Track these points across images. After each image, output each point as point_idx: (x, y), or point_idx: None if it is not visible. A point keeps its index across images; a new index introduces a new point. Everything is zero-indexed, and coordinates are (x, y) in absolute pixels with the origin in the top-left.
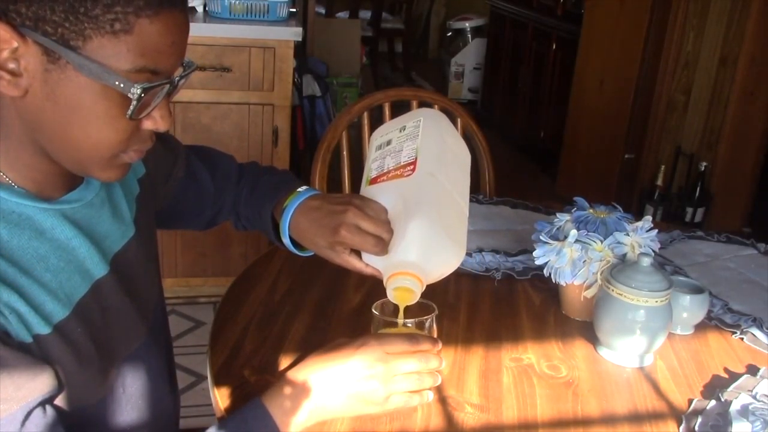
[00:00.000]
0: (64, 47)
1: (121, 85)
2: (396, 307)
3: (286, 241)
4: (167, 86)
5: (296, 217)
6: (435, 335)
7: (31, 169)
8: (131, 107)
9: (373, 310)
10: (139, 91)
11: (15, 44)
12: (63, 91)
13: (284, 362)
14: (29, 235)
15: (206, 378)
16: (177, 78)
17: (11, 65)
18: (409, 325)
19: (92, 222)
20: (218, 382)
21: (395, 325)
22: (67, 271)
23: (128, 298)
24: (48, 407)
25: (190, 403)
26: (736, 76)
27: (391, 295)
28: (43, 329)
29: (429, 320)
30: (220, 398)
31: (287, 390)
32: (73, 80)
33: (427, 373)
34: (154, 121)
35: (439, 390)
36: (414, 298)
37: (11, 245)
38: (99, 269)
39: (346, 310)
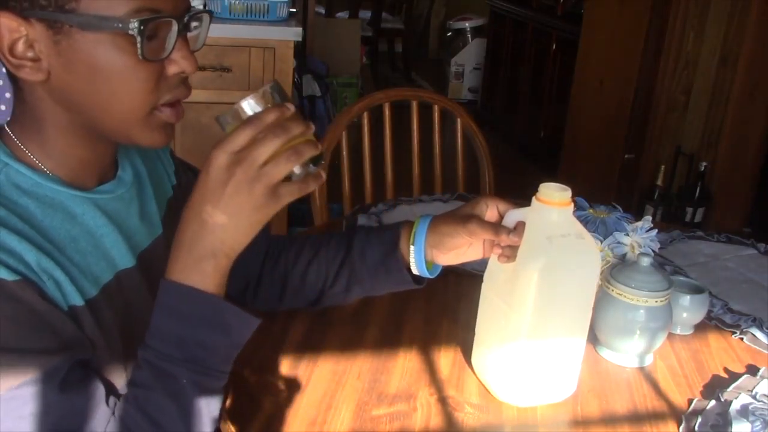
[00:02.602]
0: (62, 13)
1: (120, 26)
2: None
3: (418, 248)
4: (174, 24)
5: (432, 223)
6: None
7: (68, 158)
8: (138, 45)
9: (217, 120)
10: (137, 25)
11: (24, 30)
12: (77, 57)
13: (284, 362)
14: (62, 217)
15: None
16: (186, 17)
17: (29, 53)
18: (248, 111)
19: (121, 215)
20: None
21: (238, 119)
22: (94, 255)
23: (150, 295)
24: (86, 368)
25: None
26: (736, 76)
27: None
28: (78, 301)
29: (267, 91)
30: None
31: (176, 251)
32: (81, 42)
33: (301, 143)
34: (177, 64)
35: (438, 390)
36: (569, 197)
37: (45, 224)
38: (125, 261)
39: (346, 311)
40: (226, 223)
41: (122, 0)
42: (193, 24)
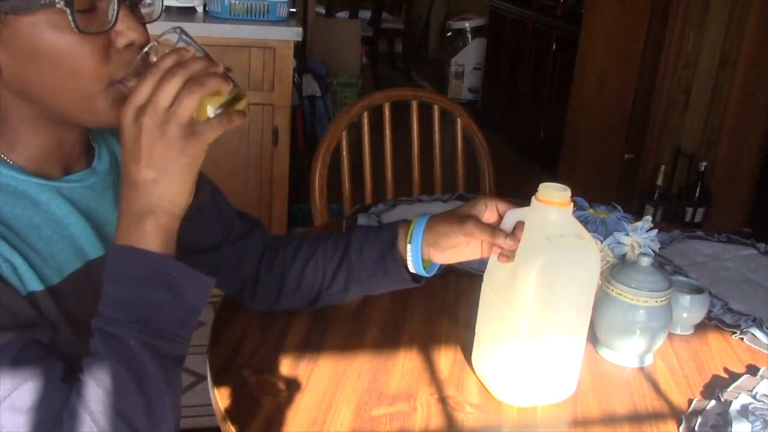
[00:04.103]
0: None
1: (47, 1)
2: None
3: (415, 247)
4: None
5: (429, 222)
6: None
7: (32, 149)
8: (69, 18)
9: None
10: None
11: None
12: (19, 44)
13: (284, 362)
14: (24, 204)
15: (206, 378)
16: None
17: None
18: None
19: (91, 205)
20: (218, 382)
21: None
22: (60, 243)
23: None
24: (44, 348)
25: (190, 403)
26: (736, 76)
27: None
28: (37, 286)
29: (170, 37)
30: (220, 398)
31: (119, 218)
32: (19, 29)
33: (204, 75)
34: (125, 35)
35: (438, 390)
36: (568, 197)
37: (5, 212)
38: (94, 250)
39: (345, 311)
40: (155, 177)
41: None
42: None
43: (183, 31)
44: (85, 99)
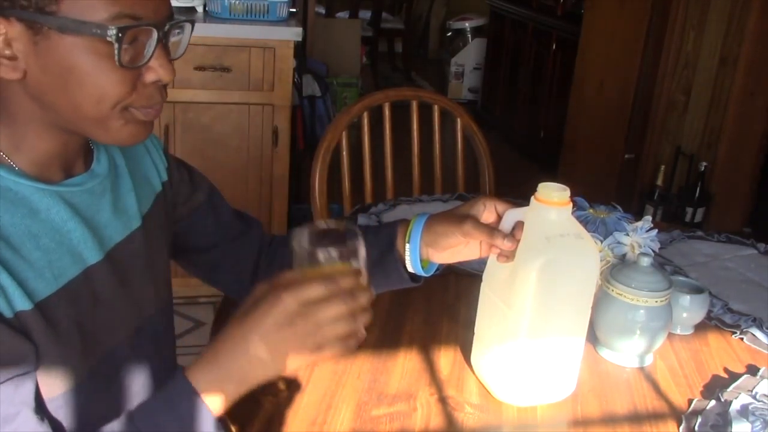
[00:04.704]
0: (41, 15)
1: (99, 31)
2: (317, 238)
3: (413, 246)
4: (155, 32)
5: (428, 222)
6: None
7: (36, 151)
8: (115, 52)
9: (293, 245)
10: (115, 32)
11: (3, 29)
12: (54, 58)
13: None
14: (23, 213)
15: None
16: (167, 26)
17: (7, 51)
18: (335, 258)
19: (91, 209)
20: None
21: (317, 262)
22: (58, 252)
23: (121, 289)
24: (24, 383)
25: None
26: (736, 76)
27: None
28: (25, 305)
29: (352, 246)
30: None
31: (209, 360)
32: (59, 45)
33: (362, 312)
34: (155, 72)
35: (438, 390)
36: (567, 197)
37: (3, 221)
38: (93, 256)
39: None
40: (266, 361)
41: (103, 5)
42: (175, 31)
43: (358, 234)
44: (101, 120)
